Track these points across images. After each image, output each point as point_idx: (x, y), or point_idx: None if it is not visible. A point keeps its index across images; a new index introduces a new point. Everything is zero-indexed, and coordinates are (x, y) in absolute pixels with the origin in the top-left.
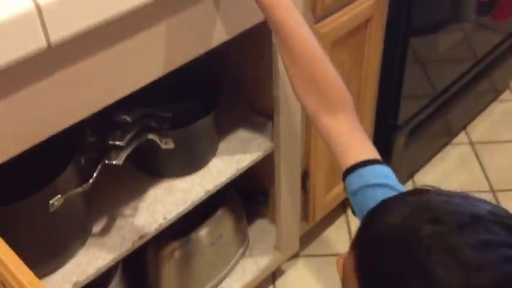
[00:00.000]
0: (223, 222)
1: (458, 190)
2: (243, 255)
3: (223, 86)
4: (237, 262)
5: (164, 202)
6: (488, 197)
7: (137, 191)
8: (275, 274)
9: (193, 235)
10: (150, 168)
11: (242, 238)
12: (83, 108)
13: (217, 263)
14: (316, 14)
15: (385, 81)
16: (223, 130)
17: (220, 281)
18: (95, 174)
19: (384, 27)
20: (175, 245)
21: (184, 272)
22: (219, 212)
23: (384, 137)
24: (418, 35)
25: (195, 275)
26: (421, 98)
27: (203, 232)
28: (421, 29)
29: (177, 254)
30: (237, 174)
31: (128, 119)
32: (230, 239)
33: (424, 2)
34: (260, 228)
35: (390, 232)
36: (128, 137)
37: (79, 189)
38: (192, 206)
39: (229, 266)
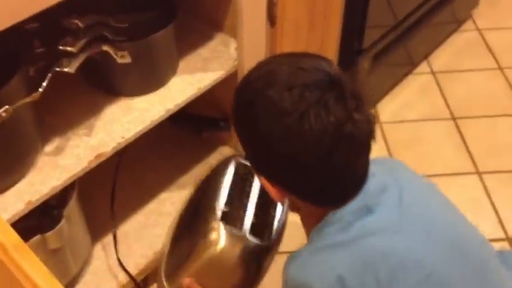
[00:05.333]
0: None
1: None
2: None
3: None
4: None
5: (122, 121)
6: (449, 124)
7: (92, 109)
8: None
9: None
10: (106, 86)
11: None
12: (28, 4)
13: None
14: None
15: (350, 4)
16: (183, 48)
17: None
18: (44, 83)
19: None
20: None
21: None
22: None
23: (348, 61)
24: None
25: None
26: (384, 23)
27: None
28: None
29: None
30: (199, 94)
31: (80, 24)
32: None
33: None
34: (222, 155)
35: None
36: (80, 44)
37: (28, 99)
38: (152, 125)
39: None
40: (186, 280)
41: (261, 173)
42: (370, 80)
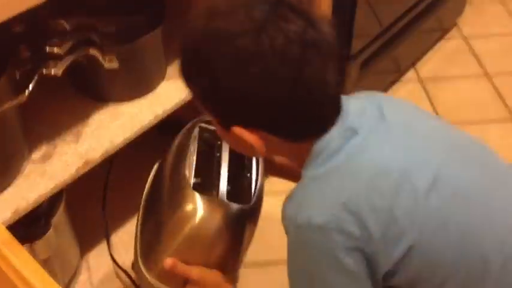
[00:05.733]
0: None
1: None
2: None
3: (169, 5)
4: None
5: (110, 127)
6: None
7: (80, 115)
8: None
9: None
10: (94, 92)
11: None
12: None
13: None
14: None
15: (337, 13)
16: (171, 53)
17: None
18: (31, 86)
19: None
20: None
21: None
22: None
23: None
24: None
25: None
26: (370, 31)
27: None
28: None
29: None
30: (188, 99)
31: (66, 25)
32: None
33: None
34: None
35: None
36: (66, 46)
37: (14, 102)
38: (141, 131)
39: None
40: (168, 261)
41: (233, 123)
42: (357, 88)
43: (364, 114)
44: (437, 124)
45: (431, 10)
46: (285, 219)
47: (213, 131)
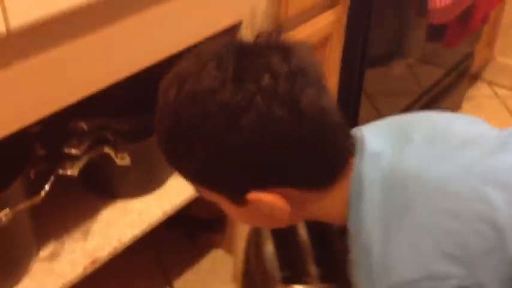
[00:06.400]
0: None
1: None
2: None
3: None
4: None
5: (118, 224)
6: None
7: (88, 212)
8: None
9: None
10: (103, 188)
11: None
12: (38, 108)
13: None
14: (279, 26)
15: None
16: None
17: None
18: (47, 186)
19: (341, 48)
20: None
21: None
22: None
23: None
24: (374, 65)
25: None
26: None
27: None
28: (376, 59)
29: None
30: (196, 195)
31: (85, 126)
32: None
33: (380, 32)
34: (215, 259)
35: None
36: (84, 147)
37: (29, 202)
38: (149, 228)
39: None
40: None
41: (245, 190)
42: None
43: (387, 136)
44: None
45: (431, 106)
46: None
47: None
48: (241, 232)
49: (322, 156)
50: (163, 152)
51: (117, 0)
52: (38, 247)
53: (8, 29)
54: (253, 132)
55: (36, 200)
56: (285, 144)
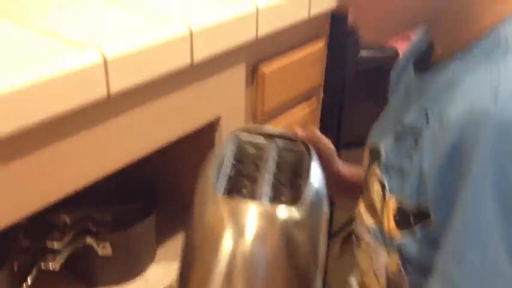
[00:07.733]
0: None
1: None
2: None
3: (162, 189)
4: None
5: None
6: None
7: None
8: None
9: None
10: (82, 275)
11: None
12: (26, 206)
13: None
14: (256, 120)
15: None
16: (161, 235)
17: None
18: (29, 280)
19: None
20: None
21: None
22: None
23: None
24: (348, 148)
25: None
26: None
27: None
28: (350, 144)
29: None
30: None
31: (67, 219)
32: None
33: (353, 119)
34: None
35: None
36: (66, 240)
37: None
38: None
39: None
40: None
41: None
42: (339, 263)
43: None
44: None
45: None
46: (469, 122)
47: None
48: None
49: None
50: None
51: (100, 106)
52: None
53: None
54: None
55: None
56: None
